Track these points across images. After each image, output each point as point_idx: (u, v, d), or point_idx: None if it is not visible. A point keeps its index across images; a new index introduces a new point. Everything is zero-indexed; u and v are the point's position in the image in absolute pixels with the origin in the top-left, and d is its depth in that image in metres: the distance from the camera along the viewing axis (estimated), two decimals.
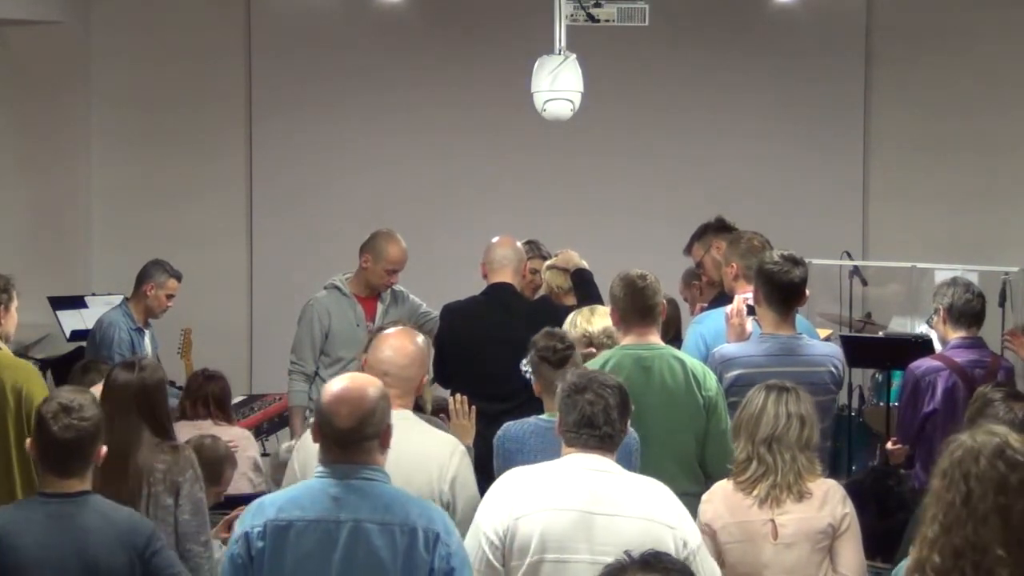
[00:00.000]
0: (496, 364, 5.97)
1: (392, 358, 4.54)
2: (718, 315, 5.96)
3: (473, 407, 5.22)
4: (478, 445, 5.23)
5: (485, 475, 4.69)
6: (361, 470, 3.76)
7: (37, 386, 5.59)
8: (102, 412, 4.21)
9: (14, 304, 5.77)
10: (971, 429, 3.25)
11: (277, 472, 5.92)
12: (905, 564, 3.32)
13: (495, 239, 6.68)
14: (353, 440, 3.76)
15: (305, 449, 4.46)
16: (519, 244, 6.72)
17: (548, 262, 6.86)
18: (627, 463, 4.54)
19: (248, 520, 3.78)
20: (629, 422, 4.19)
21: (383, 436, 3.81)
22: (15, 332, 5.91)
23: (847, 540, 4.47)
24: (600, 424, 4.04)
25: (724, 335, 5.78)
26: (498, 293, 6.53)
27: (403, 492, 3.84)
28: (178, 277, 7.67)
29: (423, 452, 4.41)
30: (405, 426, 4.46)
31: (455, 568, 3.71)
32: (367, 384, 3.85)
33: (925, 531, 3.18)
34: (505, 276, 6.55)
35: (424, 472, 4.37)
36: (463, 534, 4.13)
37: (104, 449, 4.20)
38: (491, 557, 3.93)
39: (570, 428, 4.07)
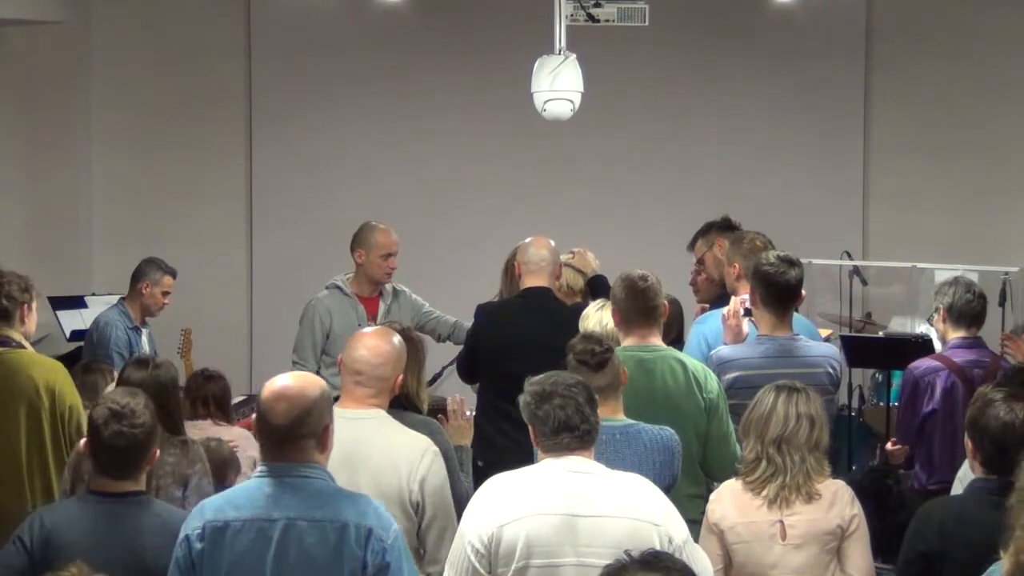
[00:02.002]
0: (529, 368, 5.92)
1: (365, 357, 4.51)
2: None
3: (469, 410, 5.20)
4: (478, 446, 5.22)
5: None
6: (297, 468, 3.78)
7: (68, 384, 5.69)
8: (155, 416, 4.21)
9: (35, 303, 5.85)
10: None
11: None
12: (1001, 567, 3.28)
13: (529, 239, 6.58)
14: (289, 438, 3.77)
15: None
16: (553, 244, 6.66)
17: (563, 258, 6.81)
18: (671, 466, 4.58)
19: (190, 523, 3.82)
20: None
21: (321, 436, 3.82)
22: None
23: (855, 541, 4.46)
24: (577, 424, 4.03)
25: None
26: (536, 297, 6.44)
27: (339, 489, 3.85)
28: (173, 274, 7.67)
29: (393, 451, 4.40)
30: (376, 425, 4.46)
31: (390, 563, 3.72)
32: (307, 383, 3.86)
33: (1022, 536, 3.14)
34: (541, 278, 6.46)
35: (394, 471, 4.37)
36: (437, 535, 4.21)
37: (158, 452, 4.23)
38: (477, 565, 3.91)
39: (548, 436, 4.04)
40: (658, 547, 3.78)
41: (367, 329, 4.76)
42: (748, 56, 10.01)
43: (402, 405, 4.75)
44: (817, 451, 4.51)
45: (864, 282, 9.26)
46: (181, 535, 3.81)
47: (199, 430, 6.07)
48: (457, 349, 6.94)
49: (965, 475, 4.84)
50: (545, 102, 7.06)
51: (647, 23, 7.23)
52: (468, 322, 6.79)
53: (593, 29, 7.23)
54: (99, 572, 3.47)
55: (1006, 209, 9.83)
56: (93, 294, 9.09)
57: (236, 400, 7.51)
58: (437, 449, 4.48)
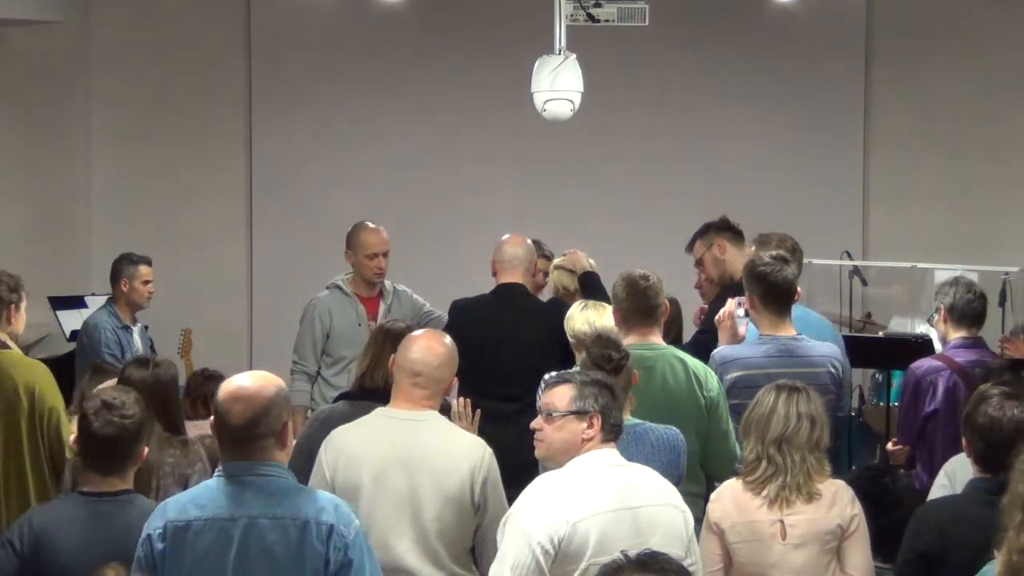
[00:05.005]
0: (506, 364, 5.93)
1: (423, 359, 4.53)
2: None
3: (478, 410, 5.20)
4: None
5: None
6: (256, 467, 3.77)
7: (49, 386, 5.62)
8: (146, 412, 4.23)
9: (23, 304, 5.81)
10: None
11: None
12: (993, 567, 3.28)
13: (505, 237, 6.64)
14: (246, 438, 3.76)
15: (334, 447, 4.46)
16: (529, 242, 6.70)
17: (556, 261, 6.84)
18: (677, 464, 4.69)
19: (151, 522, 3.81)
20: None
21: (280, 434, 3.80)
22: None
23: (855, 541, 4.47)
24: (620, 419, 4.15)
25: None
26: (508, 293, 6.48)
27: (298, 486, 3.86)
28: (148, 262, 7.69)
29: (455, 453, 4.43)
30: (434, 427, 4.48)
31: (352, 559, 3.73)
32: (264, 383, 3.83)
33: (1014, 537, 3.13)
34: (515, 276, 6.51)
35: (456, 473, 4.39)
36: (492, 534, 4.16)
37: (146, 449, 4.24)
38: (543, 563, 3.87)
39: (619, 423, 4.12)
40: (686, 532, 3.96)
41: (419, 332, 4.76)
42: (748, 55, 10.01)
43: None
44: (818, 451, 4.52)
45: (864, 282, 9.26)
46: (143, 534, 3.80)
47: (199, 430, 6.07)
48: None
49: (953, 470, 4.85)
50: (545, 102, 7.06)
51: (647, 23, 7.23)
52: None
53: (593, 29, 7.23)
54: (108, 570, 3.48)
55: (1006, 209, 9.84)
56: (93, 294, 9.10)
57: None
58: (492, 451, 4.51)
